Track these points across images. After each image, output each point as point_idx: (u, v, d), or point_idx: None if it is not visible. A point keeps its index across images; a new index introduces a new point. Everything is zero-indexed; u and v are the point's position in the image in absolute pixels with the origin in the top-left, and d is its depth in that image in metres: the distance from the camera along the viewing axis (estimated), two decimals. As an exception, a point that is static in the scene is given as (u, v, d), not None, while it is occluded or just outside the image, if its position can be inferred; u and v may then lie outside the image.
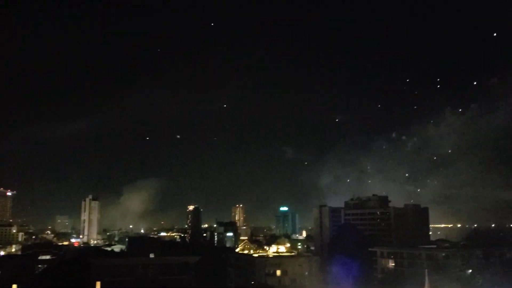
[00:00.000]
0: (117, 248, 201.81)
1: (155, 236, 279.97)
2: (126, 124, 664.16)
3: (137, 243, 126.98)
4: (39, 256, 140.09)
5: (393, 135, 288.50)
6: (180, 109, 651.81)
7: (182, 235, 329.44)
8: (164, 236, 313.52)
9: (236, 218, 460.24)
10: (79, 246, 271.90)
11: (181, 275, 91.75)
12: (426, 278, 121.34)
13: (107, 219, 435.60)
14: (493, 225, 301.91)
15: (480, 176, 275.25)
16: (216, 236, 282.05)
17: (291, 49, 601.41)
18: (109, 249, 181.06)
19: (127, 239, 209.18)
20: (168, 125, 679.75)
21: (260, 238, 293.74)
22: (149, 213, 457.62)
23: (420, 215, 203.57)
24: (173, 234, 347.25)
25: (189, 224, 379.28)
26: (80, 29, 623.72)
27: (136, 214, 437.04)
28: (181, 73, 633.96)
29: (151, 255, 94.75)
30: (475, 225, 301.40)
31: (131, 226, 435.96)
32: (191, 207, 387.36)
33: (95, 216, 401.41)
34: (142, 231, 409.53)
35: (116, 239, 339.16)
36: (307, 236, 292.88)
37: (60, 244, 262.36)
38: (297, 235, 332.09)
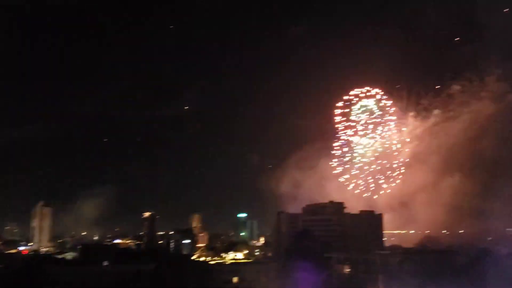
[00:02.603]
0: (69, 255, 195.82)
1: (109, 243, 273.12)
2: (81, 128, 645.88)
3: (90, 250, 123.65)
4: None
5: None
6: (139, 112, 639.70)
7: (138, 242, 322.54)
8: (119, 243, 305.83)
9: (194, 225, 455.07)
10: (28, 254, 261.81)
11: (135, 283, 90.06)
12: (380, 283, 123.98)
13: (59, 226, 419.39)
14: (444, 231, 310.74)
15: (434, 183, 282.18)
16: (172, 243, 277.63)
17: (254, 52, 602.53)
18: (60, 257, 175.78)
19: (79, 247, 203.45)
20: (125, 129, 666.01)
21: (218, 245, 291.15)
22: (104, 220, 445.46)
23: (374, 222, 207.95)
24: (128, 241, 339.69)
25: (145, 231, 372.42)
26: (30, 29, 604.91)
27: (90, 221, 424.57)
28: (140, 74, 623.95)
29: (105, 263, 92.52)
30: (428, 231, 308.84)
31: (84, 233, 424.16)
32: (146, 214, 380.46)
33: (46, 223, 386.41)
34: (96, 238, 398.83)
35: (68, 246, 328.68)
36: (265, 242, 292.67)
37: (7, 252, 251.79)
38: (255, 242, 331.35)
